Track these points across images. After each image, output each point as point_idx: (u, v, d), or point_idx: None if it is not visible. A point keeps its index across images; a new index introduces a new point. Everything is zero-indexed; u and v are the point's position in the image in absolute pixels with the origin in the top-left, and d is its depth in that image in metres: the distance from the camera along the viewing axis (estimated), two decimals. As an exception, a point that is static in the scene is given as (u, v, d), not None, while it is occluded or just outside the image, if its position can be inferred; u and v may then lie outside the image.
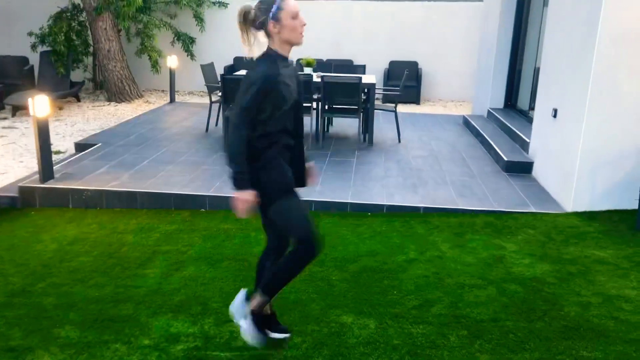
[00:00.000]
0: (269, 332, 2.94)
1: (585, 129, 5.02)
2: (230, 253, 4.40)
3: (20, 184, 5.58)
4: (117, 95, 11.08)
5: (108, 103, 11.04)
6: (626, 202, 5.10)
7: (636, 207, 4.81)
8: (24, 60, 11.00)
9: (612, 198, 5.15)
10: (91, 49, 11.61)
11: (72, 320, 3.43)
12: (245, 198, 2.61)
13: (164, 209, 5.41)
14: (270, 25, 2.60)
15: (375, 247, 4.47)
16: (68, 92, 10.68)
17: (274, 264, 2.91)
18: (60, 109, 10.39)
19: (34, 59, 11.22)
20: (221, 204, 5.36)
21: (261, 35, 2.68)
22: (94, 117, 9.79)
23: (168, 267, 4.15)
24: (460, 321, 3.37)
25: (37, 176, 5.77)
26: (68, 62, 10.73)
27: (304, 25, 2.65)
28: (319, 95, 7.09)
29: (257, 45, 2.68)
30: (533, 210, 5.20)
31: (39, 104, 5.43)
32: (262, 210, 2.77)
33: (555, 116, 5.72)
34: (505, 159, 6.43)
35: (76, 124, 9.21)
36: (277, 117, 2.63)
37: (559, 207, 5.28)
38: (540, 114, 6.24)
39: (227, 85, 6.90)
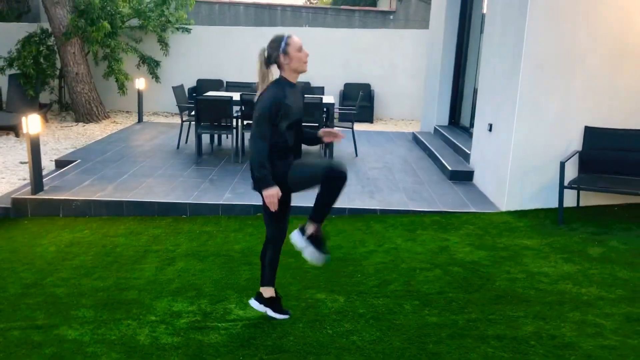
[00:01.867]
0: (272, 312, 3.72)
1: (515, 141, 5.92)
2: (214, 250, 5.04)
3: (12, 196, 6.06)
4: (84, 116, 11.52)
5: (76, 124, 11.46)
6: (550, 201, 6.01)
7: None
8: (-8, 82, 11.33)
9: (539, 199, 6.05)
10: (57, 72, 12.03)
11: (85, 304, 4.01)
12: (273, 192, 3.29)
13: (148, 216, 5.99)
14: (281, 57, 3.31)
15: (340, 242, 5.19)
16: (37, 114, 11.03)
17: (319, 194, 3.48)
18: (30, 129, 10.74)
19: (1, 82, 11.57)
20: (201, 211, 5.99)
21: (274, 68, 3.38)
22: (64, 136, 10.22)
23: (161, 263, 4.76)
24: (413, 294, 4.11)
25: (27, 189, 6.26)
26: (36, 85, 11.13)
27: (308, 55, 3.38)
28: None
29: (267, 79, 3.35)
30: (473, 210, 6.04)
31: (32, 122, 5.96)
32: (265, 206, 3.43)
33: (490, 130, 6.63)
34: (450, 168, 7.29)
35: (48, 143, 9.63)
36: (282, 131, 3.32)
37: (495, 207, 6.15)
38: (479, 129, 7.15)
39: (200, 105, 7.55)
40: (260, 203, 3.49)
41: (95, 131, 10.76)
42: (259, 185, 3.34)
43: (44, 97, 12.28)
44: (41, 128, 6.04)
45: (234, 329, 3.63)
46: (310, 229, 3.48)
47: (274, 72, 3.41)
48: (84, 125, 11.30)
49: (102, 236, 5.42)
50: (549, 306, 3.91)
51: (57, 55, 11.62)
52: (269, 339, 3.51)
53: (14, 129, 10.20)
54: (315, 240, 3.49)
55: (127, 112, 13.14)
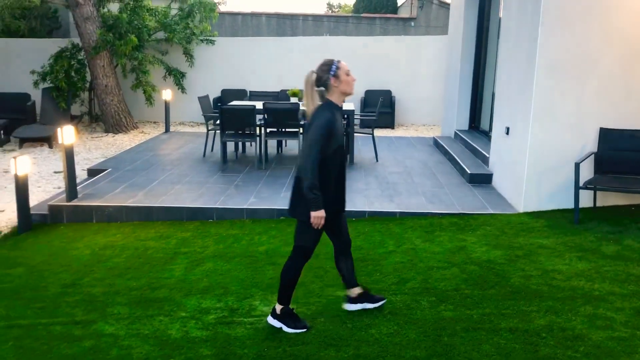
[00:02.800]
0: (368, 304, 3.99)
1: (531, 143, 6.05)
2: (240, 251, 5.28)
3: (49, 203, 6.40)
4: (114, 126, 11.94)
5: (106, 134, 11.88)
6: (567, 202, 6.12)
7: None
8: (26, 96, 11.79)
9: (556, 199, 6.17)
10: (87, 85, 12.49)
11: (120, 302, 4.27)
12: (321, 215, 3.48)
13: (177, 220, 6.27)
14: (331, 80, 3.50)
15: (360, 243, 5.39)
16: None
17: (344, 260, 3.90)
18: (62, 140, 11.20)
19: (35, 95, 12.07)
20: (226, 215, 6.25)
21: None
22: (95, 146, 10.62)
23: (190, 264, 5.01)
24: (430, 291, 4.29)
25: (62, 196, 6.60)
26: (68, 97, 11.59)
27: (355, 80, 3.59)
28: (306, 121, 8.04)
29: (315, 101, 3.53)
30: (491, 211, 6.18)
31: (67, 133, 6.30)
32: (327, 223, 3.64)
33: (507, 133, 6.77)
34: (469, 172, 7.44)
35: (79, 153, 10.02)
36: (332, 154, 3.50)
37: (513, 209, 6.28)
38: (497, 132, 7.29)
39: (225, 114, 7.84)
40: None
41: (124, 141, 11.15)
42: (311, 206, 3.45)
43: (75, 109, 12.76)
44: (70, 140, 6.37)
45: (259, 324, 3.85)
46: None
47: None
48: (113, 136, 11.71)
49: (133, 240, 5.70)
50: (561, 301, 4.04)
51: (87, 69, 12.07)
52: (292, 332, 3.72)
53: (47, 140, 10.64)
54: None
55: (154, 122, 13.55)
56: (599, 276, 4.45)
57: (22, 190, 5.96)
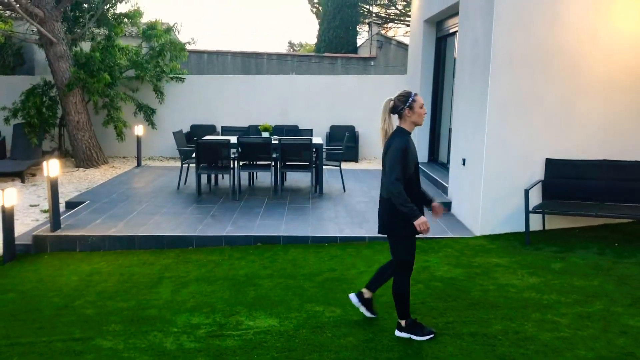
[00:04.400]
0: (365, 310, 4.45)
1: (485, 173, 6.68)
2: (221, 275, 5.65)
3: (33, 234, 6.64)
4: (85, 161, 12.16)
5: (77, 169, 12.08)
6: (519, 225, 6.73)
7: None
8: (-4, 132, 11.95)
9: (509, 223, 6.77)
10: (57, 121, 12.71)
11: (114, 320, 4.59)
12: (423, 220, 3.85)
13: (158, 248, 6.59)
14: (406, 111, 3.96)
15: (333, 265, 5.83)
16: (40, 160, 11.66)
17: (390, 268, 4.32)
18: (33, 175, 11.38)
19: (5, 131, 12.22)
20: (206, 242, 6.61)
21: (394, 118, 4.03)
22: (67, 181, 10.82)
23: (175, 287, 5.36)
24: (399, 305, 4.75)
25: (45, 227, 6.85)
26: (40, 133, 11.79)
27: (425, 113, 4.02)
28: (277, 155, 8.54)
29: (389, 125, 3.99)
30: (451, 235, 6.74)
31: (51, 166, 6.60)
32: (398, 241, 4.03)
33: (464, 164, 7.39)
34: (430, 200, 8.00)
35: (52, 187, 10.20)
36: (412, 173, 3.93)
37: (471, 233, 6.85)
38: (454, 163, 7.92)
39: (200, 147, 8.25)
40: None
41: (96, 175, 11.38)
42: (410, 218, 3.84)
43: (45, 144, 12.91)
44: (55, 173, 6.67)
45: (246, 336, 4.24)
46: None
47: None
48: (84, 170, 11.92)
49: (118, 266, 6.00)
50: (515, 310, 4.57)
51: (59, 105, 12.31)
52: (278, 342, 4.12)
53: (19, 175, 10.79)
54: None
55: (124, 157, 13.81)
56: (548, 288, 5.01)
57: (8, 221, 6.21)
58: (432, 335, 4.11)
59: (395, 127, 4.03)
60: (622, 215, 6.04)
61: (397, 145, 3.87)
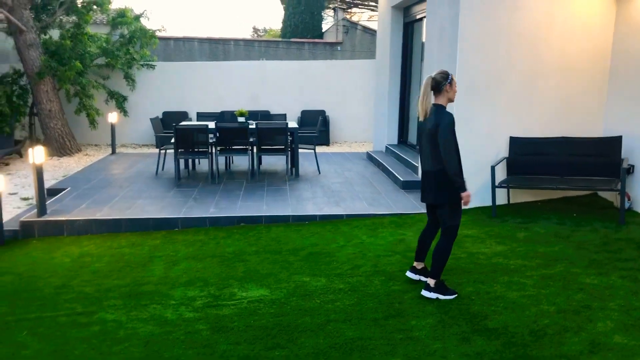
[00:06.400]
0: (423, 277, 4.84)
1: (454, 151, 7.10)
2: (209, 253, 5.95)
3: (21, 219, 6.80)
4: (58, 150, 12.19)
5: (50, 157, 12.09)
6: (486, 200, 7.19)
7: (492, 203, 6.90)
8: (-34, 122, 11.86)
9: (477, 198, 7.23)
10: (28, 110, 12.67)
11: (113, 296, 4.86)
12: (469, 193, 4.30)
13: (144, 231, 6.84)
14: (447, 87, 4.33)
15: (315, 241, 6.19)
16: (13, 150, 11.67)
17: (430, 237, 4.80)
18: (7, 164, 11.38)
19: (-25, 121, 12.12)
20: (190, 224, 6.88)
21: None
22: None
23: (167, 264, 5.64)
24: (380, 273, 5.15)
25: (31, 213, 7.01)
26: (11, 122, 11.77)
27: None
28: (254, 139, 8.82)
29: (429, 100, 4.34)
30: (423, 211, 7.16)
31: (37, 153, 6.75)
32: (451, 206, 4.42)
33: (434, 144, 7.80)
34: (402, 179, 8.43)
35: (28, 176, 10.27)
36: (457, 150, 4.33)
37: (441, 208, 7.29)
38: (424, 143, 8.33)
39: (178, 133, 8.47)
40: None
41: (70, 163, 11.45)
42: (459, 189, 4.28)
43: (15, 134, 12.86)
44: (40, 159, 6.83)
45: (241, 305, 4.57)
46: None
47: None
48: (58, 159, 11.96)
49: (107, 248, 6.24)
50: (484, 274, 5.02)
51: (30, 94, 12.28)
52: (271, 308, 4.46)
53: (-7, 165, 10.78)
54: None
55: (96, 145, 13.85)
56: (514, 255, 5.47)
57: (-4, 207, 6.36)
58: (455, 295, 4.54)
59: (430, 104, 4.39)
60: (579, 188, 6.56)
61: (448, 120, 4.28)
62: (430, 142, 4.37)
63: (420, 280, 4.86)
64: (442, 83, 4.37)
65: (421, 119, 4.42)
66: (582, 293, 4.54)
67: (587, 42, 7.11)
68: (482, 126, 7.08)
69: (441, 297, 4.52)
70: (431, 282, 4.55)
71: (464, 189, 4.33)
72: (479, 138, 7.11)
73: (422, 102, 4.38)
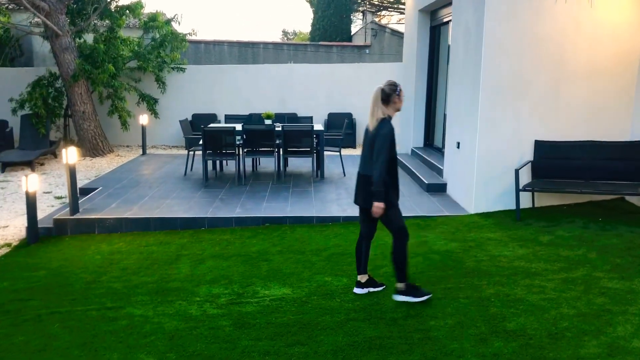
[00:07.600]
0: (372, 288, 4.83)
1: (478, 155, 7.12)
2: (235, 252, 6.08)
3: (54, 217, 7.05)
4: (91, 151, 12.53)
5: (83, 158, 12.45)
6: (510, 203, 7.18)
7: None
8: (4, 123, 12.29)
9: (501, 201, 7.23)
10: (62, 111, 13.06)
11: (141, 292, 5.02)
12: (382, 206, 4.33)
13: (172, 230, 7.02)
14: (395, 98, 4.41)
15: (338, 242, 6.28)
16: (48, 150, 12.05)
17: (366, 246, 4.82)
18: (42, 164, 11.75)
19: (12, 122, 12.56)
20: (217, 224, 7.04)
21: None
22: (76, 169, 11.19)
23: (193, 263, 5.79)
24: (401, 274, 5.21)
25: (64, 211, 7.26)
26: (47, 123, 12.15)
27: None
28: (280, 141, 8.95)
29: (378, 112, 4.39)
30: (446, 214, 7.19)
31: (70, 154, 7.00)
32: (363, 212, 4.55)
33: (458, 147, 7.83)
34: (426, 182, 8.46)
35: (62, 176, 10.61)
36: (394, 156, 4.40)
37: (465, 211, 7.31)
38: (448, 147, 8.36)
39: (207, 135, 8.66)
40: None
41: (102, 164, 11.76)
42: (376, 198, 4.31)
43: (50, 135, 13.27)
44: (73, 160, 7.06)
45: (263, 302, 4.68)
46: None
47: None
48: (91, 159, 12.30)
49: (136, 246, 6.43)
50: (505, 277, 5.03)
51: (65, 96, 12.66)
52: (293, 307, 4.57)
53: (29, 164, 11.16)
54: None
55: (127, 146, 14.19)
56: (536, 258, 5.47)
57: (32, 204, 6.62)
58: (429, 296, 4.57)
59: (380, 115, 4.44)
60: (605, 192, 6.51)
61: (386, 132, 4.34)
62: (369, 147, 4.46)
63: (369, 292, 4.84)
64: (391, 95, 4.43)
65: (371, 129, 4.47)
66: (604, 297, 4.52)
67: (616, 47, 7.04)
68: (506, 129, 7.08)
69: (412, 299, 4.56)
70: (400, 285, 4.59)
71: (380, 199, 4.33)
72: (504, 142, 7.10)
73: (372, 114, 4.43)
